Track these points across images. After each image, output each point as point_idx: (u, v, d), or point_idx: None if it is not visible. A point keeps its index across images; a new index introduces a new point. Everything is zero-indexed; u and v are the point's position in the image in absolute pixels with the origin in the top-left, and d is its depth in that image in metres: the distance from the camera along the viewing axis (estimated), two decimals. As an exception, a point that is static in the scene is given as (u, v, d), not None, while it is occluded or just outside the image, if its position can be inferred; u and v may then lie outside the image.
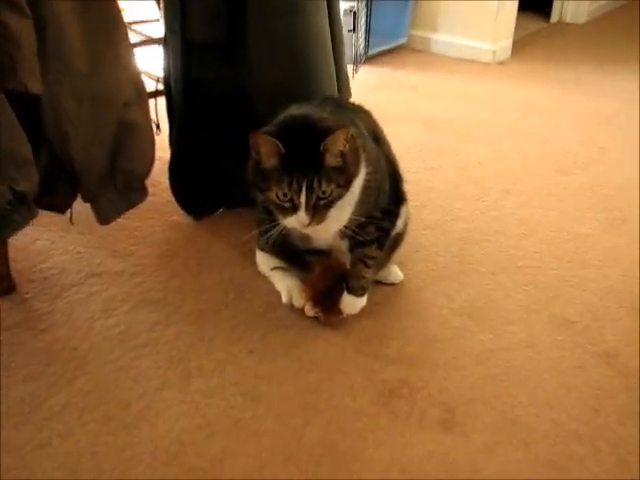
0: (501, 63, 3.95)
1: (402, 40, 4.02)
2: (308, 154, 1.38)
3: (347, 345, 1.67)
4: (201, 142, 2.07)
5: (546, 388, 1.56)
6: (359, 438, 1.42)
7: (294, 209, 1.41)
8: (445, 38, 3.99)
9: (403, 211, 1.75)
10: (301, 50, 1.90)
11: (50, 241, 2.03)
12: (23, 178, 1.44)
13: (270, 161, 1.40)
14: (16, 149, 1.42)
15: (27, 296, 1.80)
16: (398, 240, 1.79)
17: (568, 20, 4.89)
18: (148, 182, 1.95)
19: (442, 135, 2.91)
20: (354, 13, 3.34)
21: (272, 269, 1.84)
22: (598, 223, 2.24)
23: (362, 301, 1.70)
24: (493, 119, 3.11)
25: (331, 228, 1.55)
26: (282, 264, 1.83)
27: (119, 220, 1.86)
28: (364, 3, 3.52)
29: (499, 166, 2.64)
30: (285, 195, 1.40)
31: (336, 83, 2.03)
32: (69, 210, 1.79)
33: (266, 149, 1.39)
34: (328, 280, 1.71)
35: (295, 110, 1.54)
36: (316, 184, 1.38)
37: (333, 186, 1.40)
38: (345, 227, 1.54)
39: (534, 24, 4.74)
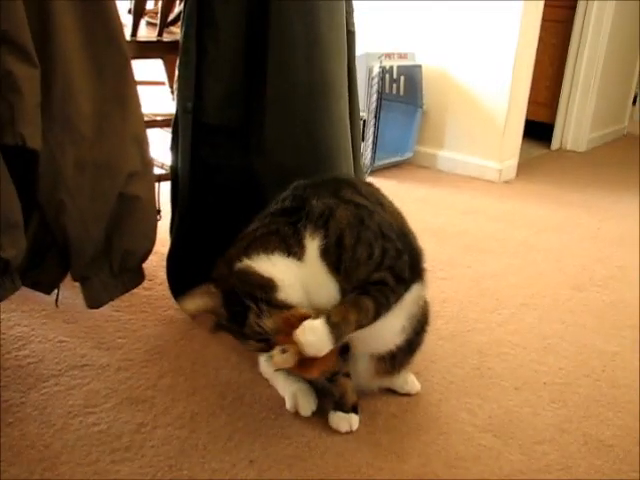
0: (507, 182, 3.92)
1: (408, 155, 4.00)
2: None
3: (360, 460, 1.46)
4: (204, 232, 1.92)
5: (590, 520, 1.35)
6: None
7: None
8: (451, 155, 3.98)
9: (416, 291, 1.50)
10: (323, 135, 1.80)
11: (30, 327, 1.85)
12: (9, 244, 1.28)
13: None
14: (5, 210, 1.27)
15: (-3, 385, 1.60)
16: (416, 340, 1.60)
17: (569, 147, 4.94)
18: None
19: (452, 247, 2.80)
20: (363, 122, 3.31)
21: (275, 371, 1.64)
22: (624, 340, 2.08)
23: (327, 343, 1.29)
24: (504, 234, 3.02)
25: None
26: None
27: (108, 311, 1.70)
28: (373, 114, 3.50)
29: (513, 279, 2.51)
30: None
31: (353, 170, 1.93)
32: (55, 292, 1.62)
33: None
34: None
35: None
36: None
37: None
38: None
39: (536, 150, 4.78)
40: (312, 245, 1.34)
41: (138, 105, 1.56)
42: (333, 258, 1.34)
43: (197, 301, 1.32)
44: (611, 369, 1.92)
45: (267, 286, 1.32)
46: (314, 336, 1.29)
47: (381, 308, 1.37)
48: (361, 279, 1.35)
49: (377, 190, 1.59)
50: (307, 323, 1.29)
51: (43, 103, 1.32)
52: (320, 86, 1.80)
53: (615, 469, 1.50)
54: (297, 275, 1.34)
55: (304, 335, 1.28)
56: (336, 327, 1.30)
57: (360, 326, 1.35)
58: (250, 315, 1.31)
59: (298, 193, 1.45)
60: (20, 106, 1.25)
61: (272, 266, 1.33)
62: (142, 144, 1.56)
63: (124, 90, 1.49)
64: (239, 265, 1.35)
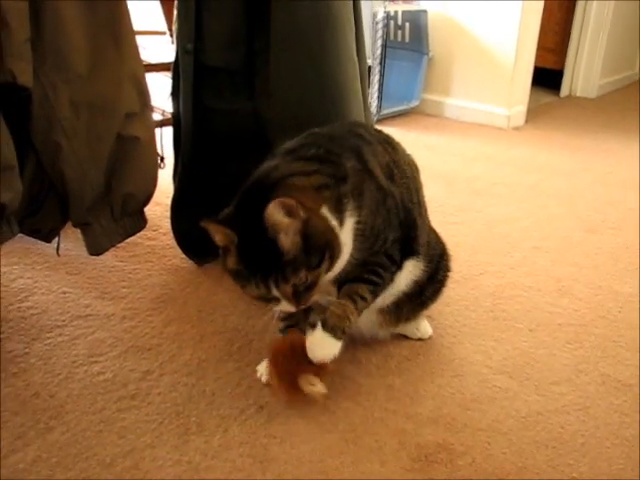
0: (516, 129, 3.85)
1: (415, 103, 3.92)
2: (260, 246, 1.16)
3: (373, 404, 1.43)
4: (208, 178, 1.86)
5: (610, 458, 1.31)
6: (392, 512, 1.16)
7: (277, 300, 1.22)
8: (458, 102, 3.91)
9: (410, 266, 1.46)
10: (332, 72, 1.73)
11: (33, 280, 1.81)
12: (4, 187, 1.22)
13: (229, 253, 1.20)
14: (-2, 152, 1.21)
15: (0, 336, 1.56)
16: (425, 293, 1.56)
17: (578, 94, 4.84)
18: (147, 226, 1.76)
19: (463, 192, 2.75)
20: (369, 68, 3.22)
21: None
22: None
23: (335, 346, 1.31)
24: (514, 179, 2.96)
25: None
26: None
27: (112, 261, 1.65)
28: (378, 61, 3.41)
29: (525, 223, 2.46)
30: (260, 296, 1.23)
31: (363, 112, 1.85)
32: (56, 240, 1.57)
33: (218, 236, 1.20)
34: (298, 349, 1.35)
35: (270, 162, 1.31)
36: (281, 281, 1.17)
37: (303, 273, 1.18)
38: (338, 275, 1.32)
39: (544, 97, 4.69)
40: (349, 223, 1.27)
41: (134, 43, 1.49)
42: (356, 242, 1.29)
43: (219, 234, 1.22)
44: (627, 310, 1.87)
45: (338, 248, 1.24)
46: (320, 348, 1.31)
47: (377, 288, 1.37)
48: (359, 261, 1.32)
49: (389, 140, 1.52)
50: (310, 339, 1.30)
51: (33, 38, 1.26)
52: (327, 21, 1.72)
53: (635, 408, 1.46)
54: None
55: (311, 351, 1.30)
56: (335, 329, 1.30)
57: (362, 310, 1.35)
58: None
59: (322, 143, 1.34)
60: (8, 41, 1.19)
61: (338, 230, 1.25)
62: (140, 83, 1.49)
63: (118, 26, 1.41)
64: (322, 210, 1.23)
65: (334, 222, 1.22)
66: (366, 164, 1.34)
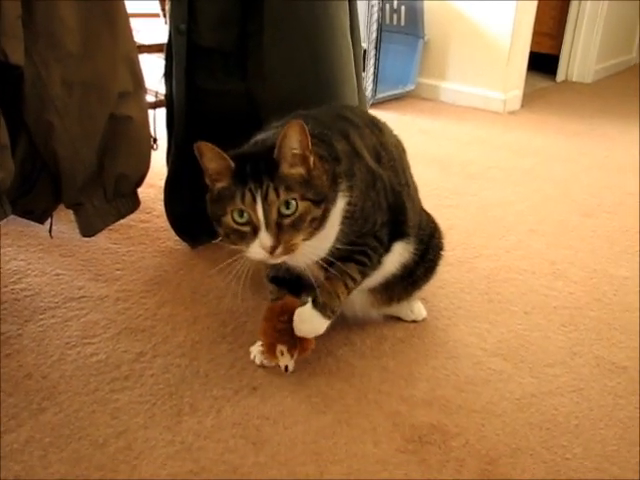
0: (512, 113, 3.83)
1: (410, 87, 3.90)
2: (261, 163, 1.16)
3: (367, 385, 1.42)
4: (201, 161, 1.85)
5: (604, 440, 1.31)
6: (385, 492, 1.16)
7: (254, 232, 1.17)
8: (454, 86, 3.89)
9: (399, 248, 1.46)
10: (326, 54, 1.71)
11: (26, 262, 1.80)
12: (-5, 166, 1.21)
13: (221, 179, 1.20)
14: (-11, 130, 1.20)
15: (-7, 318, 1.55)
16: (417, 274, 1.56)
17: (574, 79, 4.83)
18: (140, 208, 1.74)
19: (457, 176, 2.74)
20: (364, 52, 3.20)
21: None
22: (636, 265, 2.03)
23: (321, 325, 1.33)
24: (509, 163, 2.95)
25: (306, 259, 1.31)
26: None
27: (105, 244, 1.64)
28: (373, 45, 3.39)
29: (520, 207, 2.45)
30: (241, 214, 1.17)
31: (357, 95, 1.84)
32: (48, 222, 1.56)
33: (213, 163, 1.19)
34: (287, 315, 1.38)
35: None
36: (272, 193, 1.14)
37: (296, 196, 1.16)
38: (324, 259, 1.31)
39: (540, 82, 4.67)
40: (340, 203, 1.27)
41: (127, 23, 1.47)
42: (344, 224, 1.29)
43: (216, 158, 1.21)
44: (623, 293, 1.87)
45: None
46: (307, 323, 1.32)
47: (366, 269, 1.37)
48: (347, 242, 1.31)
49: (375, 121, 1.52)
50: (297, 313, 1.33)
51: (25, 16, 1.24)
52: (321, 4, 1.70)
53: (630, 390, 1.46)
54: None
55: (297, 325, 1.33)
56: (325, 307, 1.31)
57: (352, 290, 1.36)
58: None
59: (312, 124, 1.30)
60: (-1, 19, 1.17)
61: None
62: (133, 63, 1.48)
63: (112, 6, 1.40)
64: None
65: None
66: (354, 146, 1.35)
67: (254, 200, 1.14)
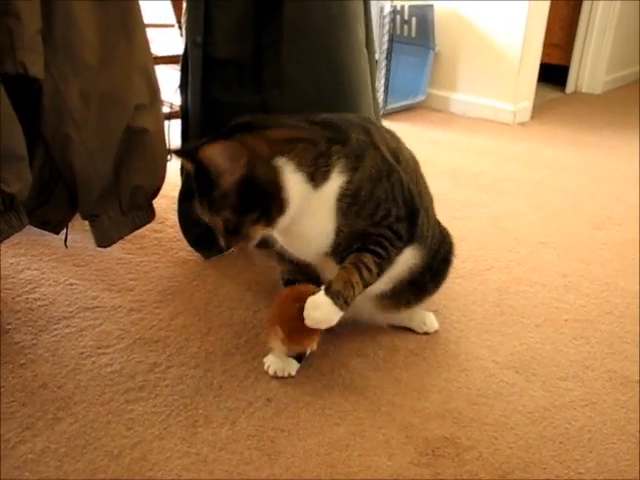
0: (522, 124, 3.84)
1: (420, 98, 3.91)
2: (206, 175, 1.24)
3: (380, 397, 1.43)
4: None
5: (617, 454, 1.31)
6: (399, 505, 1.16)
7: None
8: (464, 97, 3.90)
9: (411, 252, 1.46)
10: (343, 63, 1.73)
11: (40, 271, 1.81)
12: (14, 178, 1.22)
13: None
14: (8, 143, 1.21)
15: (7, 327, 1.56)
16: (425, 280, 1.56)
17: (584, 90, 4.83)
18: (154, 219, 1.75)
19: (468, 188, 2.74)
20: (375, 61, 3.21)
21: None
22: (647, 279, 2.03)
23: (333, 313, 1.28)
24: (520, 174, 2.95)
25: (310, 245, 1.36)
26: None
27: (119, 254, 1.65)
28: (384, 55, 3.40)
29: (531, 219, 2.45)
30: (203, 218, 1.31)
31: (372, 106, 1.85)
32: (63, 232, 1.57)
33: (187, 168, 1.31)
34: (298, 302, 1.33)
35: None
36: (211, 211, 1.27)
37: (228, 212, 1.25)
38: (333, 243, 1.33)
39: (550, 93, 4.67)
40: (335, 182, 1.28)
41: (144, 36, 1.49)
42: (344, 204, 1.30)
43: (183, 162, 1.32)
44: (634, 306, 1.87)
45: (278, 204, 1.26)
46: (319, 310, 1.28)
47: (383, 262, 1.35)
48: (359, 231, 1.32)
49: (392, 134, 1.53)
50: (309, 300, 1.28)
51: (44, 31, 1.26)
52: (339, 15, 1.72)
53: (641, 404, 1.46)
54: (302, 201, 1.28)
55: (308, 312, 1.28)
56: (338, 295, 1.27)
57: (367, 284, 1.32)
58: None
59: (331, 119, 1.37)
60: (19, 32, 1.18)
61: (293, 186, 1.26)
62: (149, 76, 1.49)
63: (129, 18, 1.41)
64: (274, 162, 1.25)
65: (298, 175, 1.26)
66: (373, 140, 1.37)
67: (203, 212, 1.31)
